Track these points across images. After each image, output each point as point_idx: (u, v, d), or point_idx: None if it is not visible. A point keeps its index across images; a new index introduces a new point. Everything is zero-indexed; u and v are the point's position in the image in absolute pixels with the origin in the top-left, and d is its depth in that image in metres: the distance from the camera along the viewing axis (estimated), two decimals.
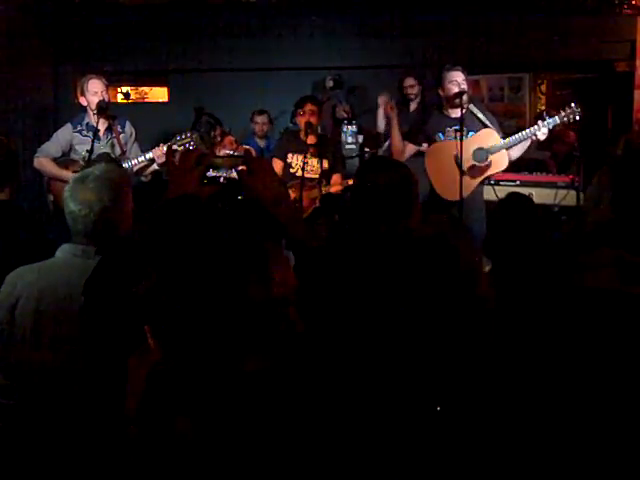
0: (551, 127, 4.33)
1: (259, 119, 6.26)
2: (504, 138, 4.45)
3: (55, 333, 1.93)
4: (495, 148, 4.40)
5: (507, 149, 4.44)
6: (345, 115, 6.22)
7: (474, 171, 4.41)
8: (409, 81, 5.92)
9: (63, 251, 2.05)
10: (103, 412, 1.91)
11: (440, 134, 4.57)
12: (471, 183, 4.42)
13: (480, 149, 4.41)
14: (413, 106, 5.95)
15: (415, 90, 5.91)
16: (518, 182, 5.18)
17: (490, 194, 4.93)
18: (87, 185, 2.01)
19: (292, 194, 4.33)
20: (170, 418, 1.57)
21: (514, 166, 4.88)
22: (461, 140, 4.25)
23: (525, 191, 4.47)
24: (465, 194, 4.36)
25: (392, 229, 2.19)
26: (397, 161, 2.55)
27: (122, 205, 2.05)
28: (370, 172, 2.33)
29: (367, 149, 6.24)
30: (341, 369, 1.92)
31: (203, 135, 4.91)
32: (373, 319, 1.98)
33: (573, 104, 4.34)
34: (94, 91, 4.49)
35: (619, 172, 2.52)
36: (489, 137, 4.43)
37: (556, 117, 4.34)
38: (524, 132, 4.38)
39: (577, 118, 4.34)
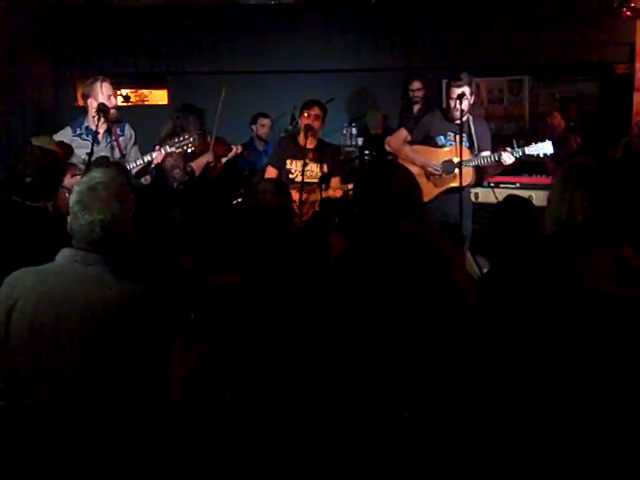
0: (518, 156, 4.40)
1: (264, 122, 6.25)
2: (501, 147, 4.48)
3: (52, 336, 1.93)
4: (463, 165, 4.39)
5: (474, 167, 4.52)
6: None
7: (439, 180, 4.52)
8: (416, 84, 6.04)
9: (63, 256, 2.04)
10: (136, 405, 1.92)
11: (442, 137, 4.60)
12: (432, 190, 4.51)
13: (449, 162, 4.49)
14: (417, 107, 6.01)
15: (421, 93, 6.05)
16: (518, 184, 5.20)
17: (490, 197, 4.94)
18: (98, 193, 2.01)
19: (294, 195, 4.33)
20: (215, 394, 1.65)
21: (514, 169, 4.90)
22: (460, 144, 4.26)
23: (525, 194, 4.49)
24: (426, 199, 4.38)
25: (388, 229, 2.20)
26: (400, 164, 2.55)
27: (129, 212, 2.06)
28: (374, 175, 2.34)
29: (367, 151, 6.26)
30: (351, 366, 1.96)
31: (198, 136, 4.89)
32: (374, 320, 2.00)
33: (547, 142, 4.41)
34: (108, 94, 4.44)
35: (596, 177, 2.52)
36: (462, 154, 4.42)
37: (525, 148, 4.41)
38: (491, 156, 4.46)
39: (548, 155, 4.44)
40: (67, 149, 4.09)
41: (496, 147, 4.56)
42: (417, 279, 2.01)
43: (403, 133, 4.74)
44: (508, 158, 4.39)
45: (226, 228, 2.28)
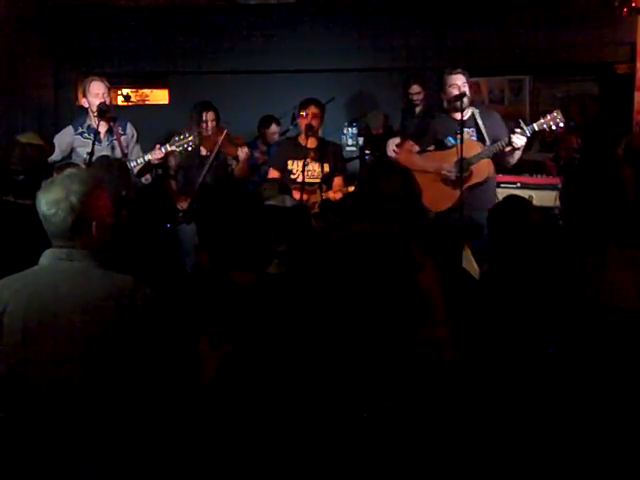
0: (529, 134, 4.32)
1: (275, 128, 6.21)
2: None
3: (46, 337, 1.91)
4: (475, 158, 4.37)
5: (490, 158, 4.44)
6: None
7: (456, 181, 4.39)
8: (415, 88, 6.03)
9: (46, 257, 2.03)
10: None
11: (451, 138, 4.53)
12: (453, 193, 4.40)
13: (462, 159, 4.36)
14: (418, 109, 6.01)
15: (420, 96, 6.03)
16: (519, 184, 5.20)
17: None
18: (55, 185, 2.00)
19: (295, 196, 4.32)
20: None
21: (514, 168, 4.88)
22: (461, 143, 4.23)
23: (525, 193, 4.49)
24: (448, 205, 4.39)
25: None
26: (399, 166, 2.55)
27: (94, 203, 2.03)
28: (375, 176, 2.34)
29: (367, 151, 6.25)
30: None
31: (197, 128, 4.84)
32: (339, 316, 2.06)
33: (555, 112, 4.33)
34: (95, 93, 4.50)
35: (569, 180, 2.51)
36: (471, 148, 4.39)
37: (534, 124, 4.33)
38: (500, 143, 4.39)
39: (560, 125, 4.33)
40: (50, 146, 4.09)
41: None
42: (370, 280, 2.05)
43: (410, 145, 4.68)
44: (518, 139, 4.30)
45: (245, 226, 2.31)
